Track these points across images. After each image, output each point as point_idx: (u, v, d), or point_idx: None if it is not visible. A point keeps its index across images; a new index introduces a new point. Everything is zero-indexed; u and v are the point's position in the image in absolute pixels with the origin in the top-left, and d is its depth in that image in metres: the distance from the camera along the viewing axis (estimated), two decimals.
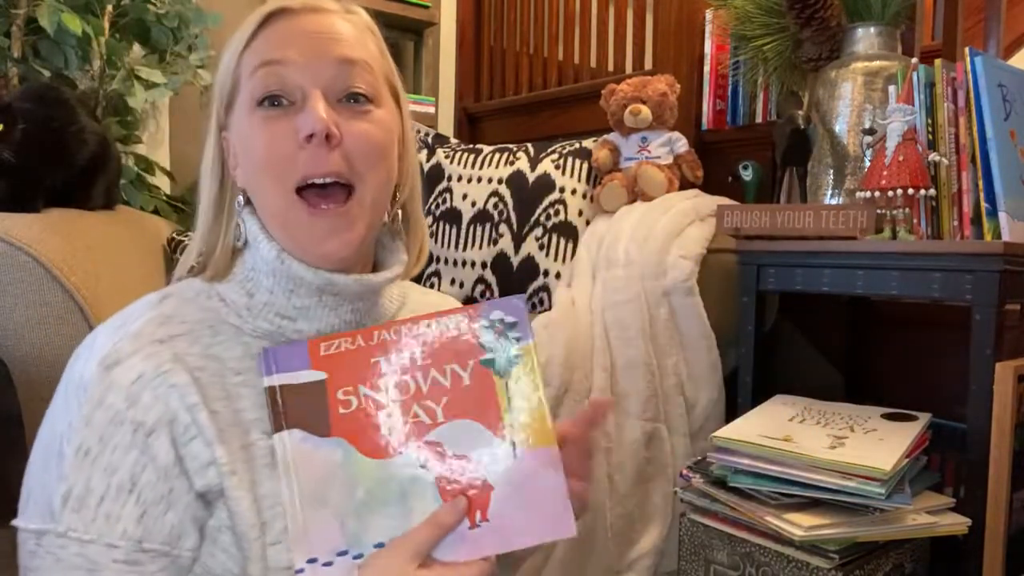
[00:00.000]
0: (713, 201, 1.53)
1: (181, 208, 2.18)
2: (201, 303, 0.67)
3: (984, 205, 1.13)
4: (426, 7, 2.71)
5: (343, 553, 0.59)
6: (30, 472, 0.62)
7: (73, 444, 0.58)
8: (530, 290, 1.68)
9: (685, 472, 1.14)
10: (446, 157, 1.89)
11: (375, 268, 0.73)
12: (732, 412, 1.37)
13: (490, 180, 1.79)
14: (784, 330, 1.64)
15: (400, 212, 0.74)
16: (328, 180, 0.63)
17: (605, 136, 1.73)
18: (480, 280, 1.76)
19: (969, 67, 1.15)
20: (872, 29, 1.39)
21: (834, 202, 1.39)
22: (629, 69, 2.12)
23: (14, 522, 0.60)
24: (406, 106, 0.73)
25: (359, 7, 0.71)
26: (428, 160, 1.91)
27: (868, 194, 1.19)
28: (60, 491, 0.57)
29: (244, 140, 0.66)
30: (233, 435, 0.62)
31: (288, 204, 0.64)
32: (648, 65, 2.03)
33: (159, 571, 0.59)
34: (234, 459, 0.61)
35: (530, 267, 1.68)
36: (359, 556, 0.59)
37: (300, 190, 0.64)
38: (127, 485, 0.58)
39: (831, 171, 1.40)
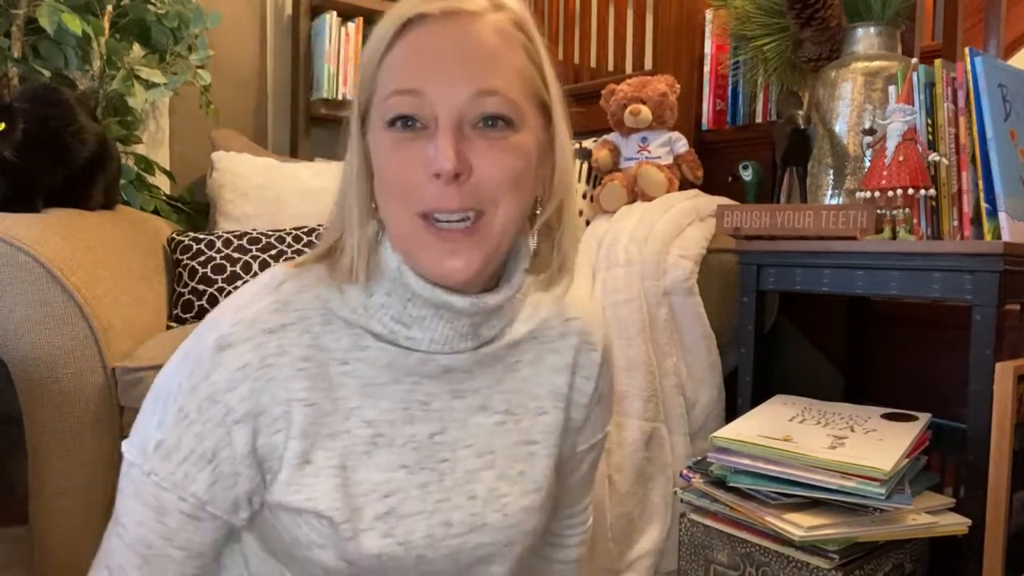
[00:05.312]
0: (713, 201, 1.53)
1: (181, 208, 2.18)
2: (319, 292, 0.67)
3: (984, 205, 1.13)
4: None
5: None
6: (143, 409, 0.68)
7: (177, 403, 0.64)
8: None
9: (685, 472, 1.14)
10: None
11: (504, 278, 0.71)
12: (732, 412, 1.37)
13: None
14: (784, 330, 1.64)
15: (545, 224, 0.70)
16: (454, 217, 0.62)
17: (605, 136, 1.73)
18: None
19: (969, 67, 1.15)
20: (872, 29, 1.39)
21: (834, 202, 1.39)
22: (629, 69, 2.12)
23: (123, 443, 0.68)
24: (560, 114, 0.68)
25: None
26: None
27: (868, 194, 1.19)
28: (155, 438, 0.64)
29: (377, 156, 0.64)
30: (327, 424, 0.65)
31: (411, 226, 0.63)
32: (648, 65, 2.03)
33: (214, 529, 0.66)
34: (314, 448, 0.64)
35: None
36: None
37: (425, 214, 0.63)
38: (208, 455, 0.64)
39: (831, 171, 1.40)
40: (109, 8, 1.88)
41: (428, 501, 0.67)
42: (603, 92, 1.72)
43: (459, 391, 0.69)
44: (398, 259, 0.65)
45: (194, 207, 2.23)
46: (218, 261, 1.71)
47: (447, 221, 0.62)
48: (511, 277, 0.69)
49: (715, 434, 1.09)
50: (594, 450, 0.83)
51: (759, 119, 1.82)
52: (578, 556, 0.92)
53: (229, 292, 1.67)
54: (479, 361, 0.70)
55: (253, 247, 1.76)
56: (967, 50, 1.16)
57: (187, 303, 1.67)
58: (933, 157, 1.17)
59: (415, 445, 0.67)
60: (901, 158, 1.15)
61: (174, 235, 1.78)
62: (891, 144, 1.17)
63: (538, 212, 0.69)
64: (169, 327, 1.63)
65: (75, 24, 1.69)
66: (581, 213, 1.68)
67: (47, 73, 1.79)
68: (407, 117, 0.61)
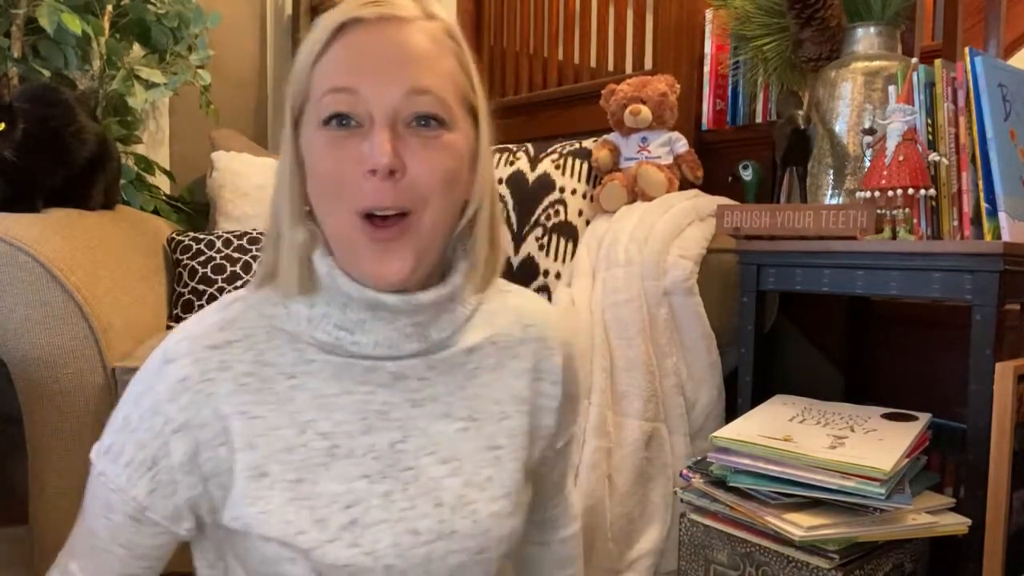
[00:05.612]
0: (713, 201, 1.53)
1: (181, 208, 2.19)
2: (264, 309, 0.69)
3: (984, 205, 1.13)
4: None
5: None
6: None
7: (124, 412, 0.68)
8: (530, 290, 1.68)
9: (685, 472, 1.15)
10: None
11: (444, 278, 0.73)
12: (732, 412, 1.37)
13: None
14: (784, 330, 1.64)
15: (471, 226, 0.72)
16: (389, 213, 0.63)
17: (605, 136, 1.73)
18: None
19: (969, 67, 1.15)
20: (872, 29, 1.39)
21: (834, 202, 1.39)
22: (629, 69, 2.12)
23: None
24: (485, 121, 0.70)
25: (439, 9, 0.68)
26: None
27: (868, 194, 1.19)
28: (106, 442, 0.68)
29: (311, 155, 0.66)
30: (279, 437, 0.66)
31: (349, 226, 0.64)
32: (648, 65, 2.03)
33: (156, 535, 0.68)
34: (268, 460, 0.65)
35: (530, 267, 1.68)
36: None
37: (362, 213, 0.64)
38: (148, 462, 0.66)
39: (831, 171, 1.40)
40: (109, 8, 1.88)
41: (392, 510, 0.67)
42: (603, 92, 1.72)
43: (417, 400, 0.70)
44: (328, 264, 0.67)
45: (194, 207, 2.23)
46: (218, 261, 1.71)
47: (382, 217, 0.63)
48: (450, 278, 0.71)
49: (715, 434, 1.09)
50: (568, 446, 0.85)
51: (759, 119, 1.82)
52: (576, 529, 0.93)
53: (229, 292, 1.67)
54: (434, 367, 0.71)
55: (253, 247, 1.76)
56: (967, 50, 1.16)
57: (187, 303, 1.67)
58: (933, 157, 1.17)
59: (376, 455, 0.68)
60: (901, 158, 1.15)
61: (174, 235, 1.78)
62: (891, 144, 1.17)
63: (466, 211, 0.71)
64: (169, 327, 1.63)
65: (75, 24, 1.69)
66: (581, 213, 1.68)
67: (47, 73, 1.79)
68: (342, 115, 0.63)
